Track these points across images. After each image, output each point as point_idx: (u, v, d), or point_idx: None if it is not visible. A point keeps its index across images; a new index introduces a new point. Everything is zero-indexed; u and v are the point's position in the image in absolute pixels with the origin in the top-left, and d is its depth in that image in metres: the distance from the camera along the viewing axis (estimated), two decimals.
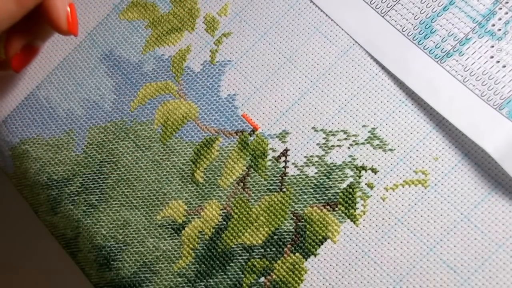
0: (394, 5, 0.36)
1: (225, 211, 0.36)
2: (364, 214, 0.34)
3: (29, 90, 0.41)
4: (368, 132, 0.35)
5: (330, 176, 0.35)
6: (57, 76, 0.41)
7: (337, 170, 0.35)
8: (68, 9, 0.35)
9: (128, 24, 0.41)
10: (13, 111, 0.41)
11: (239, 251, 0.35)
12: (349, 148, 0.35)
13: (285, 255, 0.35)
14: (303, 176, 0.35)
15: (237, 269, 0.35)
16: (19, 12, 0.33)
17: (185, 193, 0.37)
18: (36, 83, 0.41)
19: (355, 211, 0.34)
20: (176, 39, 0.40)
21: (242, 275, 0.35)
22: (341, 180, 0.35)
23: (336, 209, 0.35)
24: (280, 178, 0.36)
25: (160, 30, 0.40)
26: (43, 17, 0.35)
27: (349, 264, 0.34)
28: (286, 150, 0.36)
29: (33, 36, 0.37)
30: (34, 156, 0.40)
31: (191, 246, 0.36)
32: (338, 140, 0.35)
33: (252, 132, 0.37)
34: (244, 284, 0.35)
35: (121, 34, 0.41)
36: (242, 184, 0.36)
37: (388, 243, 0.33)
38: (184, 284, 0.36)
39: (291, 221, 0.35)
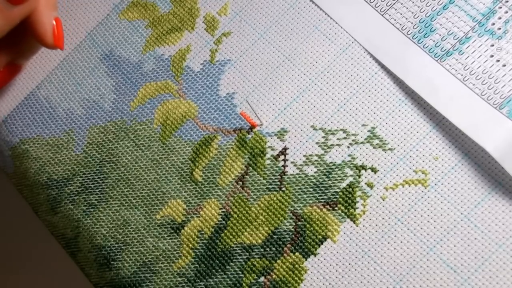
0: (394, 3, 0.36)
1: (224, 210, 0.36)
2: (364, 213, 0.34)
3: (29, 90, 0.41)
4: (368, 131, 0.35)
5: (330, 176, 0.35)
6: (57, 76, 0.41)
7: (336, 170, 0.35)
8: (54, 23, 0.35)
9: (128, 24, 0.41)
10: (13, 111, 0.41)
11: (238, 251, 0.35)
12: (348, 147, 0.35)
13: (284, 254, 0.35)
14: (303, 175, 0.35)
15: (236, 269, 0.35)
16: (4, 26, 0.33)
17: (184, 192, 0.37)
18: (36, 83, 0.41)
19: (355, 211, 0.34)
20: (176, 38, 0.40)
21: (242, 275, 0.35)
22: (340, 179, 0.35)
23: (336, 208, 0.34)
24: (279, 177, 0.36)
25: (160, 30, 0.40)
26: (30, 31, 0.35)
27: (349, 264, 0.34)
28: (285, 148, 0.36)
29: (17, 55, 0.37)
30: (34, 156, 0.40)
31: (190, 245, 0.36)
32: (338, 139, 0.35)
33: (250, 130, 0.37)
34: (244, 284, 0.35)
35: (121, 34, 0.41)
36: (241, 183, 0.36)
37: (388, 242, 0.33)
38: (184, 284, 0.36)
39: (291, 221, 0.35)
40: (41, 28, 0.35)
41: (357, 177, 0.35)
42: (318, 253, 0.34)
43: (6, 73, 0.37)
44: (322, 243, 0.34)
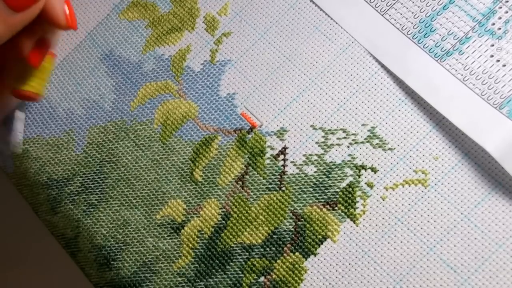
0: (394, 3, 0.36)
1: (224, 210, 0.36)
2: (364, 213, 0.34)
3: None
4: (368, 131, 0.35)
5: (330, 175, 0.35)
6: (57, 76, 0.41)
7: (336, 169, 0.35)
8: (66, 6, 0.35)
9: (128, 24, 0.41)
10: (13, 111, 0.41)
11: (238, 251, 0.35)
12: (348, 147, 0.35)
13: (284, 254, 0.35)
14: (302, 175, 0.35)
15: (236, 269, 0.35)
16: (6, 32, 0.33)
17: (184, 192, 0.37)
18: None
19: (355, 211, 0.34)
20: (176, 38, 0.40)
21: (242, 275, 0.35)
22: (340, 179, 0.35)
23: (336, 208, 0.34)
24: (279, 176, 0.36)
25: (160, 30, 0.40)
26: (43, 17, 0.35)
27: (349, 264, 0.34)
28: (285, 148, 0.36)
29: (42, 32, 0.37)
30: (34, 156, 0.40)
31: (190, 245, 0.36)
32: (338, 138, 0.35)
33: (250, 130, 0.37)
34: (244, 284, 0.35)
35: (121, 34, 0.41)
36: (241, 182, 0.36)
37: (388, 242, 0.33)
38: (184, 284, 0.36)
39: (291, 221, 0.35)
40: (53, 12, 0.34)
41: (357, 177, 0.35)
42: (318, 253, 0.34)
43: (39, 50, 0.37)
44: (322, 243, 0.34)
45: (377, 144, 0.35)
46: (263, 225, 0.35)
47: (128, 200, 0.38)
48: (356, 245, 0.34)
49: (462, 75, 0.34)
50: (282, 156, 0.36)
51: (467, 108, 0.33)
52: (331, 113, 0.36)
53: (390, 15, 0.36)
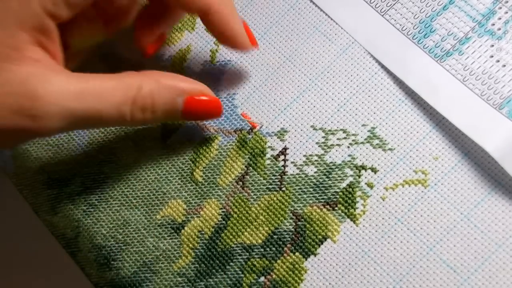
0: (394, 4, 0.36)
1: (224, 210, 0.36)
2: (364, 213, 0.34)
3: None
4: (368, 131, 0.35)
5: (330, 176, 0.35)
6: None
7: (336, 170, 0.35)
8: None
9: None
10: None
11: (238, 251, 0.35)
12: (348, 147, 0.35)
13: (285, 254, 0.35)
14: (303, 175, 0.35)
15: (237, 269, 0.35)
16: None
17: (185, 192, 0.37)
18: None
19: (355, 211, 0.34)
20: (176, 39, 0.40)
21: (242, 275, 0.35)
22: (340, 179, 0.35)
23: (336, 208, 0.35)
24: (279, 177, 0.36)
25: None
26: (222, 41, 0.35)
27: (349, 264, 0.34)
28: (285, 148, 0.36)
29: (165, 28, 0.37)
30: (34, 156, 0.40)
31: (190, 245, 0.36)
32: (338, 139, 0.35)
33: (250, 130, 0.37)
34: (244, 284, 0.35)
35: (121, 34, 0.41)
36: (241, 183, 0.36)
37: (388, 242, 0.33)
38: (184, 284, 0.36)
39: (291, 221, 0.35)
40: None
41: (357, 177, 0.35)
42: (318, 253, 0.34)
43: (156, 44, 0.37)
44: (322, 243, 0.34)
45: (377, 144, 0.35)
46: (263, 225, 0.35)
47: (128, 200, 0.38)
48: (356, 245, 0.34)
49: (462, 75, 0.34)
50: (282, 157, 0.36)
51: (467, 108, 0.33)
52: (331, 113, 0.36)
53: (390, 16, 0.36)
